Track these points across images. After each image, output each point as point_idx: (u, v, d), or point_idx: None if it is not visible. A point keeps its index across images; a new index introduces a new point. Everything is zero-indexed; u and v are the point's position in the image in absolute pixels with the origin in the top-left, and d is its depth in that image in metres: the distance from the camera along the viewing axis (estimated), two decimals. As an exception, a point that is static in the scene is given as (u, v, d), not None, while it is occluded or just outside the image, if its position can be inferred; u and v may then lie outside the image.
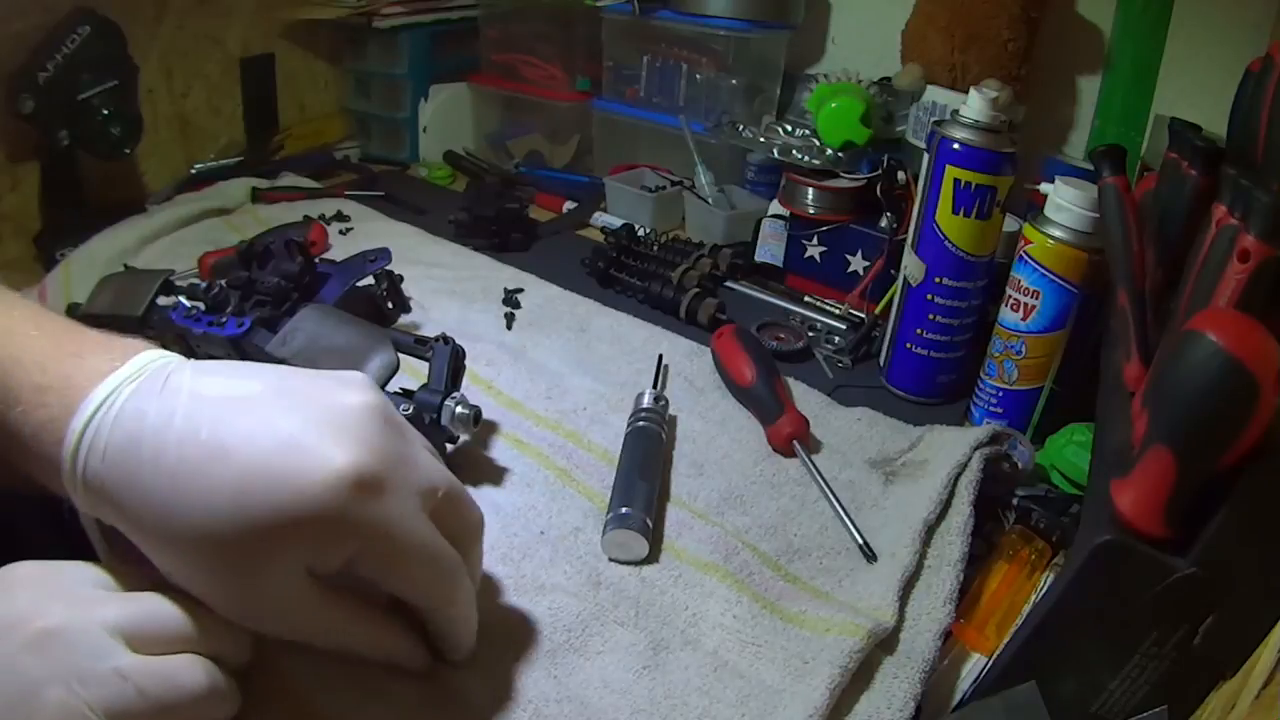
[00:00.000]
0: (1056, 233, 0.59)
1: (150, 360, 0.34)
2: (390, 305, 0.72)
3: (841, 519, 0.54)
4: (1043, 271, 0.60)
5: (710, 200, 0.97)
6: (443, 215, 0.97)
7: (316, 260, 0.67)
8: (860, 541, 0.52)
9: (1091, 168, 0.54)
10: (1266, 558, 0.36)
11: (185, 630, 0.33)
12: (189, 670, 0.32)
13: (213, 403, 0.32)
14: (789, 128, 0.93)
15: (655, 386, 0.66)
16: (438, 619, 0.38)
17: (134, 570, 0.35)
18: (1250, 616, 0.37)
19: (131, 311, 0.61)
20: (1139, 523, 0.37)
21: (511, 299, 0.81)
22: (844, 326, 0.81)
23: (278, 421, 0.32)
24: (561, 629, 0.45)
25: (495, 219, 0.94)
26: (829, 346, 0.78)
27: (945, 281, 0.66)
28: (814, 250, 0.86)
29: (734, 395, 0.68)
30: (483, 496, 0.55)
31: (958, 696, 0.45)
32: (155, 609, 0.33)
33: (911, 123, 0.91)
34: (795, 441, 0.60)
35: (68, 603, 0.31)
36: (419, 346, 0.56)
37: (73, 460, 0.32)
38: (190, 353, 0.60)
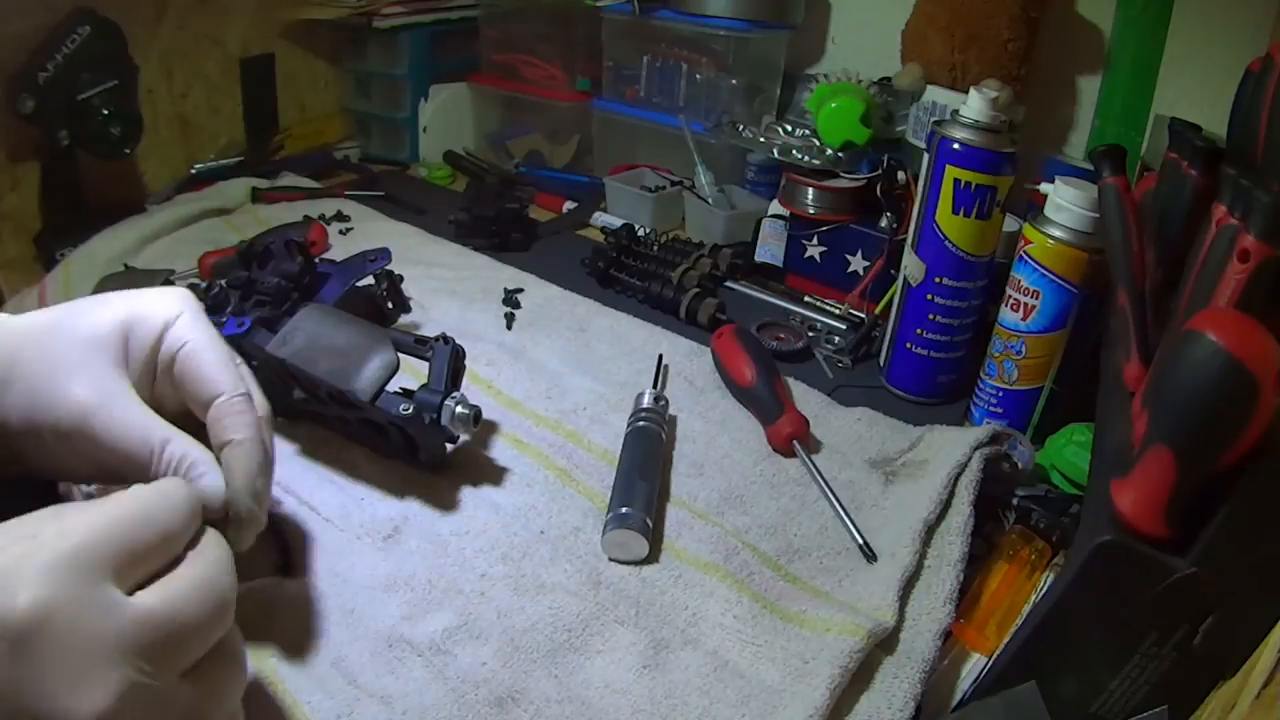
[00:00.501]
0: (1056, 233, 0.59)
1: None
2: (390, 305, 0.73)
3: (841, 519, 0.54)
4: (1043, 271, 0.60)
5: (710, 200, 0.97)
6: (443, 215, 0.97)
7: (316, 260, 0.67)
8: (860, 541, 0.52)
9: (1091, 168, 0.54)
10: (1266, 558, 0.36)
11: (167, 530, 0.30)
12: (194, 588, 0.30)
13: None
14: (789, 128, 0.93)
15: (655, 386, 0.66)
16: (222, 423, 0.37)
17: None
18: (1250, 616, 0.37)
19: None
20: (1139, 523, 0.37)
21: (511, 299, 0.81)
22: (844, 326, 0.81)
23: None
24: (562, 628, 0.45)
25: (495, 219, 0.94)
26: (829, 346, 0.78)
27: (945, 281, 0.66)
28: (814, 250, 0.86)
29: (734, 395, 0.68)
30: (483, 496, 0.55)
31: (958, 696, 0.45)
32: (138, 519, 0.30)
33: (911, 123, 0.91)
34: (795, 441, 0.60)
35: (40, 573, 0.26)
36: (419, 346, 0.56)
37: None
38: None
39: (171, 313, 0.38)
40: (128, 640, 0.27)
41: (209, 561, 0.31)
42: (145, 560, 0.29)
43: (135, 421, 0.35)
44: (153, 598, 0.28)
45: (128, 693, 0.26)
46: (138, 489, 0.31)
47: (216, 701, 0.30)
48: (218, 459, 0.36)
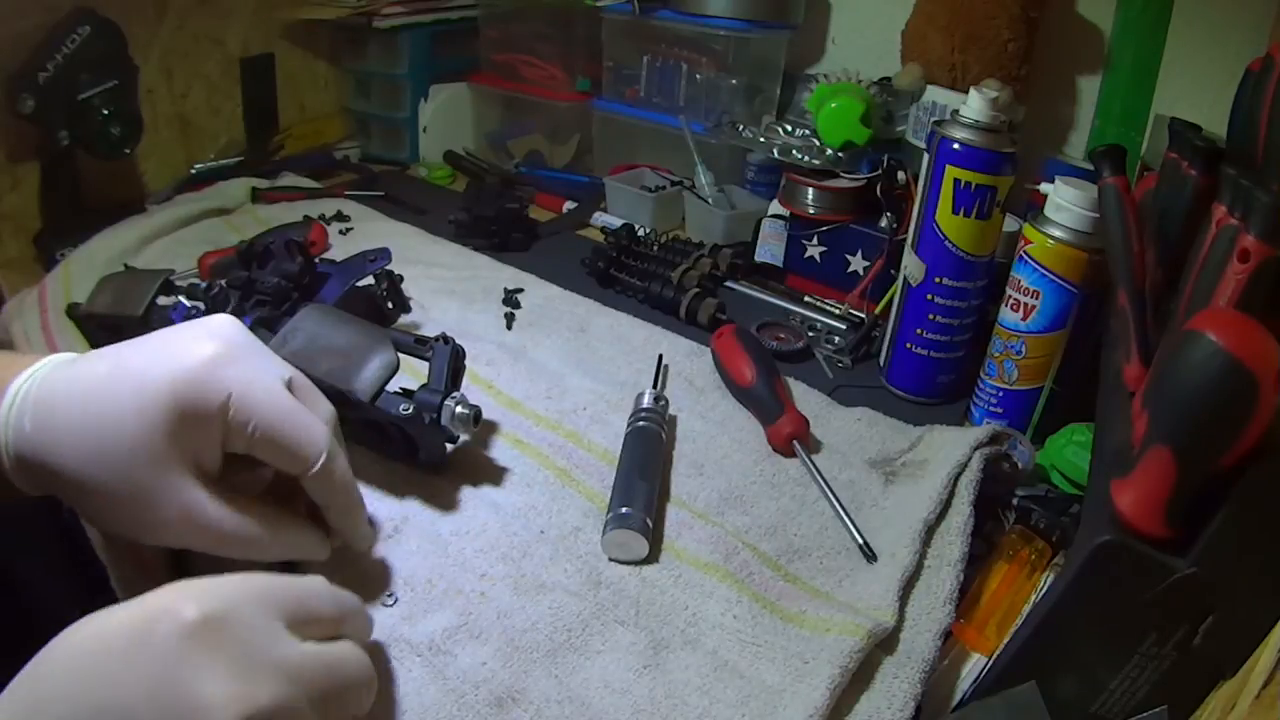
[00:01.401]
0: (1056, 233, 0.59)
1: (60, 356, 0.38)
2: (390, 305, 0.72)
3: (841, 519, 0.54)
4: (1043, 271, 0.60)
5: (710, 200, 0.97)
6: (443, 215, 0.97)
7: (316, 260, 0.67)
8: (860, 541, 0.52)
9: (1091, 168, 0.54)
10: (1266, 557, 0.36)
11: (339, 611, 0.34)
12: (355, 658, 0.33)
13: (108, 353, 0.38)
14: (789, 128, 0.93)
15: (655, 386, 0.66)
16: (323, 490, 0.40)
17: (131, 558, 0.35)
18: (1250, 616, 0.37)
19: (131, 311, 0.61)
20: (1139, 523, 0.37)
21: (511, 299, 0.81)
22: (844, 326, 0.81)
23: (159, 343, 0.38)
24: (562, 628, 0.45)
25: (495, 219, 0.94)
26: (829, 346, 0.78)
27: (945, 281, 0.66)
28: (814, 250, 0.86)
29: (734, 395, 0.68)
30: (483, 496, 0.55)
31: (958, 696, 0.45)
32: (313, 589, 0.34)
33: (911, 123, 0.91)
34: (795, 441, 0.60)
35: (222, 587, 0.30)
36: (419, 346, 0.56)
37: (4, 430, 0.35)
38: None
39: (223, 385, 0.37)
40: (291, 668, 0.29)
41: (362, 648, 0.35)
42: (315, 622, 0.33)
43: (224, 528, 0.37)
44: (317, 647, 0.32)
45: (281, 710, 0.28)
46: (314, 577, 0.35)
47: None
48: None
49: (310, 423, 0.39)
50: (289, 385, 0.40)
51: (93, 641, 0.28)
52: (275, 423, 0.38)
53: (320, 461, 0.39)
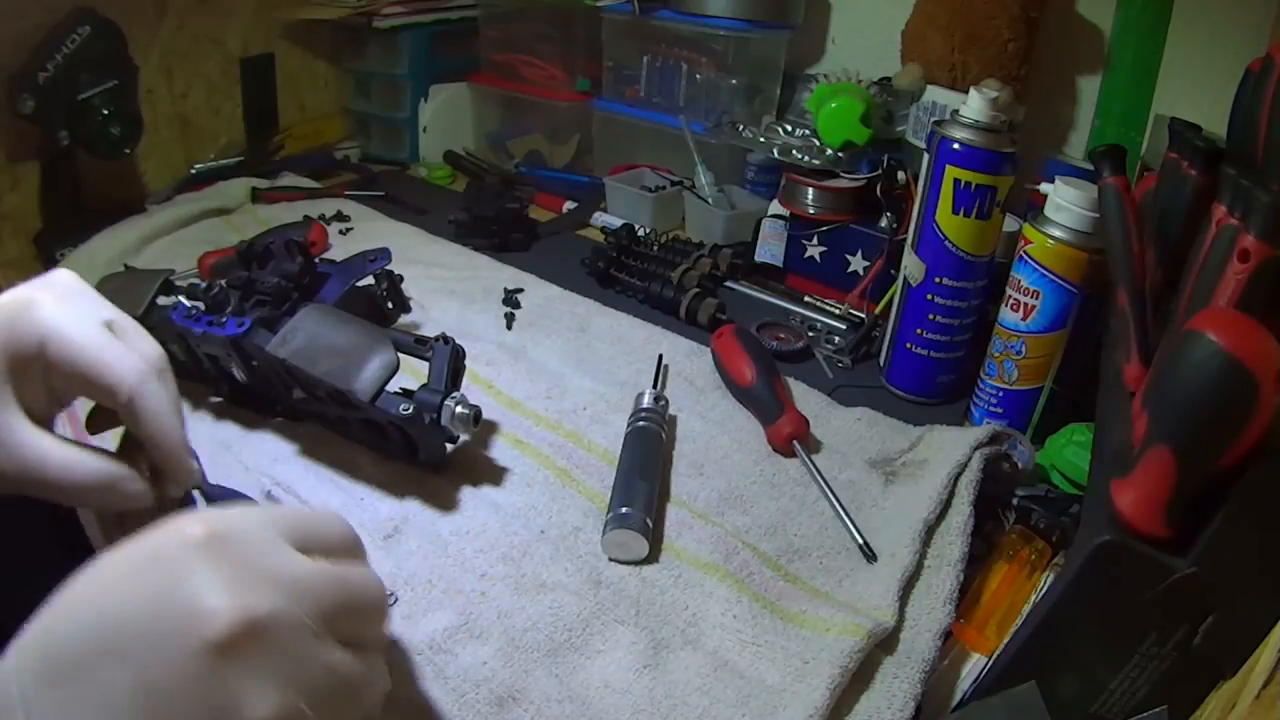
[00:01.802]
0: (1056, 233, 0.59)
1: None
2: (390, 305, 0.73)
3: (841, 519, 0.54)
4: (1043, 271, 0.60)
5: (710, 200, 0.97)
6: (443, 215, 0.97)
7: (316, 260, 0.67)
8: (860, 541, 0.52)
9: (1091, 168, 0.54)
10: (1266, 558, 0.36)
11: (350, 544, 0.35)
12: (364, 573, 0.33)
13: None
14: (789, 128, 0.93)
15: (655, 386, 0.66)
16: (136, 423, 0.40)
17: None
18: (1250, 616, 0.37)
19: (131, 311, 0.60)
20: (1139, 523, 0.37)
21: (511, 299, 0.81)
22: (844, 326, 0.81)
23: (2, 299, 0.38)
24: (562, 628, 0.45)
25: (495, 219, 0.94)
26: (829, 346, 0.78)
27: (945, 281, 0.66)
28: (814, 250, 0.86)
29: (734, 395, 0.68)
30: (483, 496, 0.55)
31: (958, 696, 0.45)
32: (325, 518, 0.34)
33: (911, 123, 0.91)
34: (795, 441, 0.60)
35: (230, 511, 0.31)
36: (419, 346, 0.56)
37: None
38: (190, 353, 0.60)
39: (37, 325, 0.37)
40: (295, 581, 0.30)
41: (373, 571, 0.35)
42: (324, 548, 0.33)
43: (47, 465, 0.37)
44: (324, 563, 0.32)
45: (282, 615, 0.28)
46: None
47: (369, 682, 0.32)
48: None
49: (120, 356, 0.39)
50: (110, 326, 0.40)
51: (106, 564, 0.29)
52: (82, 355, 0.38)
53: (128, 392, 0.39)
